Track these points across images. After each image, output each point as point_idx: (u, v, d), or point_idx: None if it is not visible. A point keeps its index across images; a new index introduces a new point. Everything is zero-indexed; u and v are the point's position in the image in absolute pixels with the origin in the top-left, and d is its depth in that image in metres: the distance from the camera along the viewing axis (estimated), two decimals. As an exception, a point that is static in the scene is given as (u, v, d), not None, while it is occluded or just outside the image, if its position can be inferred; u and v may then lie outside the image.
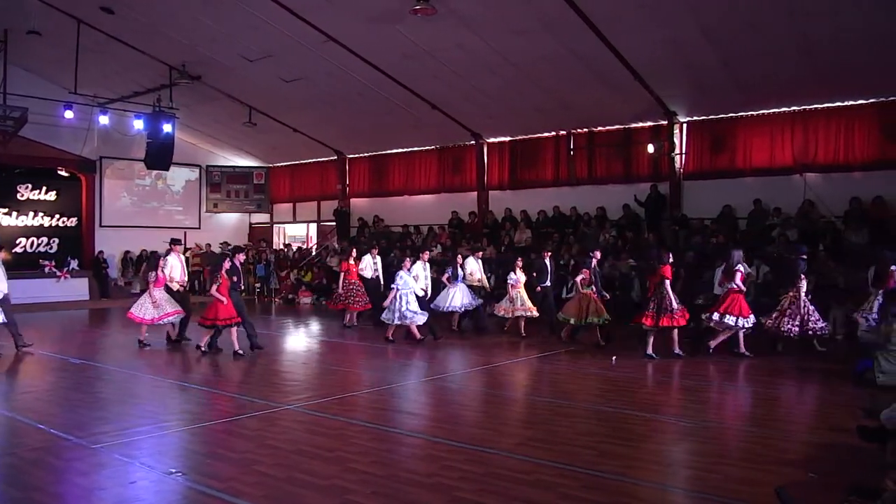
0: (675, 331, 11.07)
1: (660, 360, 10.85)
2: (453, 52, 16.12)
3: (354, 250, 15.92)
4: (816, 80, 15.02)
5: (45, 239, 23.28)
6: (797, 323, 11.01)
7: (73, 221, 23.95)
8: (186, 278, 12.36)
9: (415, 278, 12.91)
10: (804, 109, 16.49)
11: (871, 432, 5.88)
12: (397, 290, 12.60)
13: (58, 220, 23.56)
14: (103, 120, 20.14)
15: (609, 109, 17.94)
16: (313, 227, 27.07)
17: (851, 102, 15.93)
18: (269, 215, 27.79)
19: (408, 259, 13.02)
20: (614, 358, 10.99)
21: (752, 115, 17.18)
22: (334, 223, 25.03)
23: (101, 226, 24.59)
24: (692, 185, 18.10)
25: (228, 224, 27.53)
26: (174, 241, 12.57)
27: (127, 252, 24.79)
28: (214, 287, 10.94)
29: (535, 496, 5.37)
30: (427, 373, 10.09)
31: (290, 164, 26.66)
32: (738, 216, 17.02)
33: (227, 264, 11.04)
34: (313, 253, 24.74)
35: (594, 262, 12.52)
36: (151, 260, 14.64)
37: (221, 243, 24.05)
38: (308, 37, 16.36)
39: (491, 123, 20.36)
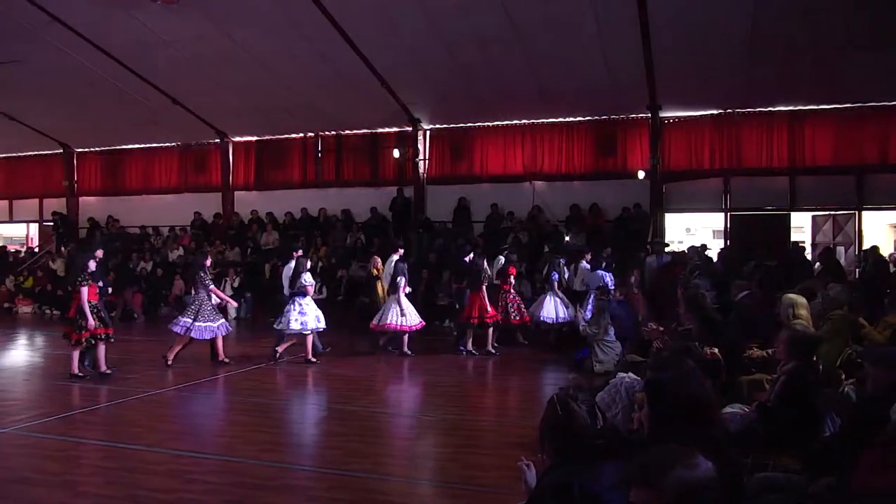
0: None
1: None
2: (195, 44, 15.44)
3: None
4: (541, 97, 16.49)
5: None
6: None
7: None
8: None
9: None
10: (531, 123, 18.04)
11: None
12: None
13: None
14: None
15: (356, 113, 18.28)
16: (34, 227, 24.39)
17: (571, 119, 17.71)
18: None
19: None
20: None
21: (487, 125, 18.44)
22: (52, 226, 22.88)
23: None
24: (435, 190, 18.98)
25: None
26: None
27: None
28: None
29: (282, 501, 5.36)
30: (167, 382, 9.59)
31: (5, 156, 23.85)
32: (476, 220, 18.15)
33: None
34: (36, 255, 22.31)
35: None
36: None
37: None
38: (28, 15, 14.74)
39: (237, 122, 19.82)
